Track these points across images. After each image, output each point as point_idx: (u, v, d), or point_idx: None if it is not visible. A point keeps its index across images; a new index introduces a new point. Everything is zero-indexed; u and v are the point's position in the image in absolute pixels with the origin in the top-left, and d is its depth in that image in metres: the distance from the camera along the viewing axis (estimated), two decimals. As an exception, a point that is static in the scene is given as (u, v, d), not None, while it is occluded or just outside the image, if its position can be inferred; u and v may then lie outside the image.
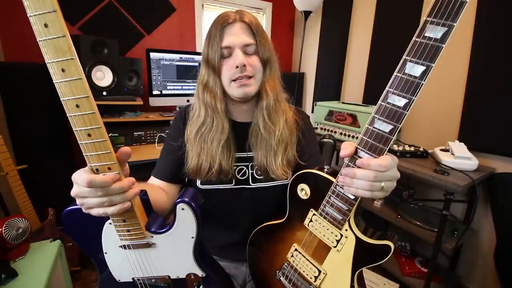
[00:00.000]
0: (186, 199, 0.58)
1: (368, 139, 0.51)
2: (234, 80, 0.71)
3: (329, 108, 1.98)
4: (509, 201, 1.38)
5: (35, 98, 1.62)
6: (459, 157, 1.38)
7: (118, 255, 0.62)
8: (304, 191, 0.66)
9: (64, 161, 1.77)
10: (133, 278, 0.65)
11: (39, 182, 1.62)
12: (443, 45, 0.42)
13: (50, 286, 1.05)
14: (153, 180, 0.80)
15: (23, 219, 1.15)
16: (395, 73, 0.47)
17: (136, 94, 1.94)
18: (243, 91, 0.71)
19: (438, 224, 1.33)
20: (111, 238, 0.59)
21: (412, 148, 1.60)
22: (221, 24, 0.70)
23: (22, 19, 1.75)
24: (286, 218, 0.72)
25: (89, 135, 0.44)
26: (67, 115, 0.43)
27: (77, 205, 0.49)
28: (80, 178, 0.45)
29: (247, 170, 0.79)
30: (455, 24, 0.40)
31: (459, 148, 1.43)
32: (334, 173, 0.60)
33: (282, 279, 0.71)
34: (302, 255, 0.66)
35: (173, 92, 2.03)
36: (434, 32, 0.42)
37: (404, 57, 0.46)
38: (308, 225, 0.65)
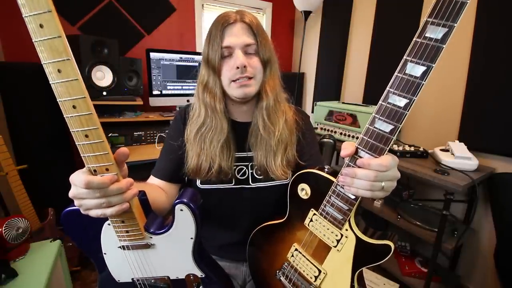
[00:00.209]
0: (185, 200, 0.57)
1: (368, 139, 0.50)
2: (234, 81, 0.71)
3: (329, 108, 1.97)
4: (509, 201, 1.38)
5: (35, 98, 1.62)
6: (459, 157, 1.37)
7: (117, 255, 0.61)
8: (304, 190, 0.66)
9: (64, 161, 1.77)
10: (132, 279, 0.65)
11: (39, 182, 1.62)
12: (444, 46, 0.42)
13: (50, 286, 1.05)
14: (152, 179, 0.80)
15: (23, 219, 1.15)
16: (395, 73, 0.47)
17: (136, 94, 1.94)
18: (243, 91, 0.71)
19: (438, 224, 1.33)
20: (110, 239, 0.59)
21: (412, 148, 1.60)
22: (221, 24, 0.70)
23: (22, 19, 1.73)
24: (286, 218, 0.71)
25: (86, 136, 0.44)
26: (64, 116, 0.43)
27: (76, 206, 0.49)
28: (77, 179, 0.45)
29: (247, 170, 0.79)
30: (455, 24, 0.40)
31: (459, 148, 1.43)
32: (335, 173, 0.60)
33: (282, 279, 0.71)
34: (302, 255, 0.66)
35: (173, 92, 2.03)
36: (434, 32, 0.42)
37: (404, 57, 0.46)
38: (308, 224, 0.65)
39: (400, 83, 0.46)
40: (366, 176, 0.49)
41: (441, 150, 1.51)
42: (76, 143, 0.44)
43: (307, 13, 2.33)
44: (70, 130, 0.43)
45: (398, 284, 1.64)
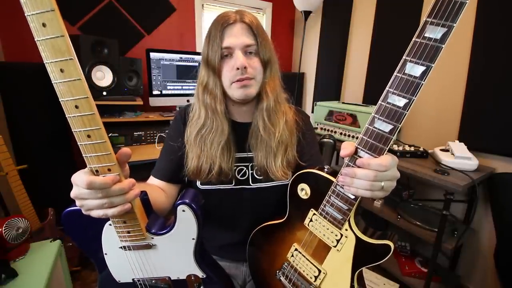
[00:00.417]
0: (187, 201, 0.58)
1: (368, 139, 0.51)
2: (234, 82, 0.70)
3: (329, 108, 1.98)
4: (509, 201, 1.38)
5: (35, 98, 1.62)
6: (459, 157, 1.38)
7: (118, 256, 0.61)
8: (304, 191, 0.66)
9: (64, 161, 1.77)
10: (133, 279, 0.65)
11: (39, 182, 1.62)
12: (443, 46, 0.42)
13: (50, 286, 1.05)
14: (152, 180, 0.80)
15: (23, 219, 1.15)
16: (395, 73, 0.47)
17: (136, 94, 1.94)
18: (244, 92, 0.71)
19: (438, 224, 1.33)
20: (111, 239, 0.59)
21: (412, 148, 1.60)
22: (221, 24, 0.69)
23: (22, 19, 1.72)
24: (286, 218, 0.72)
25: (88, 136, 0.44)
26: (66, 116, 0.42)
27: (77, 206, 0.49)
28: (79, 179, 0.45)
29: (247, 170, 0.79)
30: (454, 24, 0.41)
31: (459, 148, 1.43)
32: (334, 173, 0.60)
33: (282, 279, 0.71)
34: (302, 255, 0.66)
35: (173, 92, 2.03)
36: (434, 32, 0.42)
37: (404, 57, 0.46)
38: (308, 224, 0.65)
39: (400, 83, 0.46)
40: (366, 176, 0.49)
41: (441, 150, 1.52)
42: (78, 143, 0.44)
43: (307, 13, 2.33)
44: (72, 130, 0.43)
45: (398, 284, 1.64)
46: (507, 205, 1.39)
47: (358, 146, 0.52)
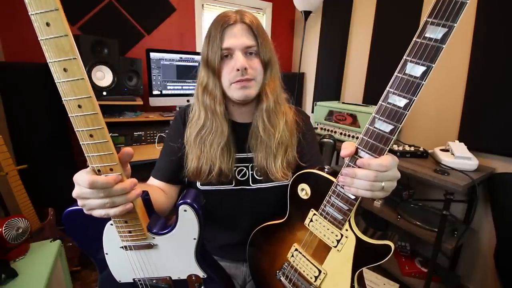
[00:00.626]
0: (189, 201, 0.58)
1: (368, 139, 0.51)
2: (234, 82, 0.70)
3: (329, 108, 1.98)
4: (509, 201, 1.38)
5: (35, 98, 1.62)
6: (459, 157, 1.38)
7: (119, 256, 0.61)
8: (304, 191, 0.66)
9: (64, 161, 1.77)
10: (134, 279, 0.65)
11: (39, 182, 1.62)
12: (444, 46, 0.42)
13: (50, 286, 1.05)
14: (152, 180, 0.80)
15: (23, 219, 1.15)
16: (395, 73, 0.47)
17: (136, 94, 1.94)
18: (244, 93, 0.71)
19: (438, 224, 1.33)
20: (112, 239, 0.59)
21: (412, 148, 1.60)
22: (221, 25, 0.69)
23: (23, 19, 1.75)
24: (286, 218, 0.72)
25: (91, 135, 0.44)
26: (69, 115, 0.42)
27: (78, 206, 0.49)
28: (81, 179, 0.45)
29: (247, 171, 0.79)
30: (455, 24, 0.41)
31: (459, 148, 1.43)
32: (335, 173, 0.60)
33: (282, 279, 0.71)
34: (303, 255, 0.66)
35: (173, 92, 2.03)
36: (434, 32, 0.42)
37: (404, 57, 0.46)
38: (308, 225, 0.65)
39: (400, 83, 0.47)
40: (366, 176, 0.49)
41: (441, 150, 1.52)
42: (81, 143, 0.44)
43: (307, 13, 2.33)
44: (75, 130, 0.43)
45: (398, 284, 1.65)
46: (507, 205, 1.39)
47: (359, 146, 0.52)
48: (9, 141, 1.59)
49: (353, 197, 0.55)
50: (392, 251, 0.53)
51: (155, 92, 1.95)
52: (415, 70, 0.45)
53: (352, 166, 0.52)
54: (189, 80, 2.08)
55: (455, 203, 1.56)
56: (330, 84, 2.52)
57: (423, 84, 0.44)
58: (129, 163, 0.52)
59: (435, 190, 1.74)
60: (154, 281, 0.65)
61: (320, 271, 0.63)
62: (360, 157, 0.52)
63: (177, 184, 0.82)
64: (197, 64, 2.08)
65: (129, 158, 0.49)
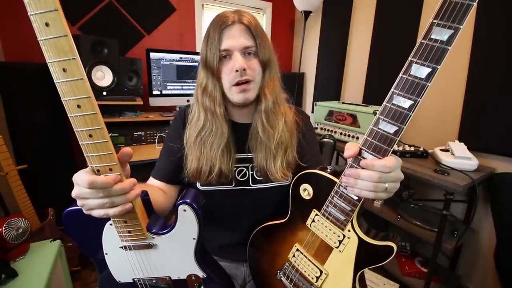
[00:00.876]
0: (188, 201, 0.57)
1: (372, 140, 0.50)
2: (234, 85, 0.70)
3: (329, 108, 1.98)
4: (509, 201, 1.38)
5: (35, 98, 1.61)
6: (459, 157, 1.38)
7: (118, 256, 0.61)
8: (306, 191, 0.66)
9: (64, 161, 1.77)
10: (133, 279, 0.65)
11: (39, 182, 1.62)
12: (449, 48, 0.42)
13: (50, 286, 1.04)
14: (152, 180, 0.80)
15: (23, 219, 1.14)
16: (400, 75, 0.47)
17: (136, 94, 1.94)
18: (244, 96, 0.70)
19: (438, 224, 1.33)
20: (111, 239, 0.59)
21: (412, 148, 1.60)
22: (219, 26, 0.69)
23: (22, 19, 1.74)
24: (288, 218, 0.71)
25: (90, 135, 0.44)
26: (68, 115, 0.42)
27: (78, 206, 0.49)
28: (81, 179, 0.45)
29: (247, 171, 0.79)
30: (461, 26, 0.41)
31: (459, 148, 1.43)
32: (337, 174, 0.60)
33: (283, 279, 0.71)
34: (304, 255, 0.66)
35: (173, 92, 2.03)
36: (440, 34, 0.42)
37: (409, 58, 0.46)
38: (310, 225, 0.64)
39: (405, 84, 0.46)
40: (370, 177, 0.49)
41: (441, 150, 1.52)
42: (80, 143, 0.44)
43: (307, 13, 2.33)
44: (74, 130, 0.43)
45: (398, 284, 1.64)
46: (507, 205, 1.39)
47: (362, 147, 0.52)
48: (9, 141, 1.58)
49: (356, 198, 0.54)
50: (395, 252, 0.53)
51: (155, 92, 1.95)
52: (420, 71, 0.45)
53: (356, 167, 0.52)
54: (189, 80, 2.07)
55: (455, 203, 1.56)
56: (330, 84, 2.52)
57: (428, 85, 0.44)
58: (128, 163, 0.51)
59: (435, 190, 1.74)
60: (153, 281, 0.65)
61: (321, 272, 0.63)
62: (364, 158, 0.51)
63: (176, 184, 0.81)
64: (197, 64, 2.05)
65: (128, 158, 0.49)
